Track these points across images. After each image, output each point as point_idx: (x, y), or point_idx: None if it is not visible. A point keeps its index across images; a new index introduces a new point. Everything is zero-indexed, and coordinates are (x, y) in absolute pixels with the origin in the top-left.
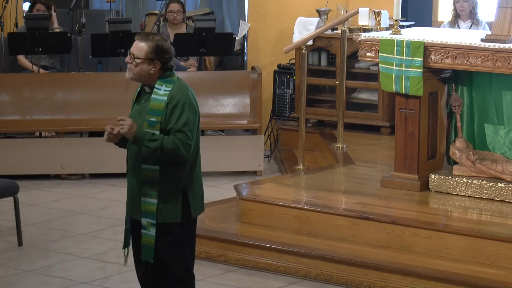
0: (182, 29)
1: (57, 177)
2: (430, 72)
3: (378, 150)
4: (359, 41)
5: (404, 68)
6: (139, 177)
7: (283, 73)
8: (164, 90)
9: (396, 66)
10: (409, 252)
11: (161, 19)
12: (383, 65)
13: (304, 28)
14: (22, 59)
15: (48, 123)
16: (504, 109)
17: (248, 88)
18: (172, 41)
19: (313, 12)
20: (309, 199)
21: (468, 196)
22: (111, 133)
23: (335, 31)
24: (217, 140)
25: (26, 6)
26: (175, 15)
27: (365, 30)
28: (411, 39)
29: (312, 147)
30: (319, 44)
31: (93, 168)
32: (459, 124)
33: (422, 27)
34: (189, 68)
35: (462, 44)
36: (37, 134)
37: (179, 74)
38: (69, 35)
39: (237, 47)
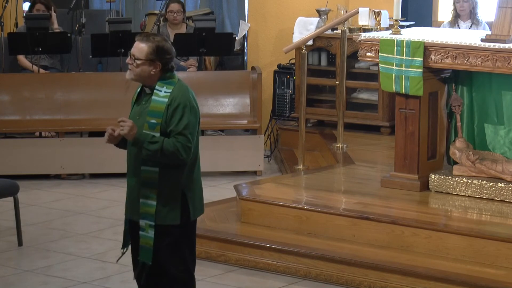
0: (182, 29)
1: (57, 177)
2: (430, 72)
3: (378, 150)
4: (359, 41)
5: (404, 68)
6: (139, 179)
7: (283, 73)
8: (165, 92)
9: (396, 66)
10: (409, 252)
11: (161, 19)
12: (383, 65)
13: (304, 28)
14: (22, 59)
15: (48, 123)
16: (504, 109)
17: (248, 88)
18: (172, 41)
19: (313, 12)
20: (309, 199)
21: (468, 196)
22: (112, 135)
23: (335, 31)
24: (217, 140)
25: (26, 6)
26: (175, 15)
27: (365, 30)
28: (411, 39)
29: (312, 147)
30: (319, 44)
31: (93, 168)
32: (459, 124)
33: (422, 27)
34: (189, 68)
35: (462, 44)
36: (37, 134)
37: (179, 74)
38: (69, 35)
39: (237, 47)
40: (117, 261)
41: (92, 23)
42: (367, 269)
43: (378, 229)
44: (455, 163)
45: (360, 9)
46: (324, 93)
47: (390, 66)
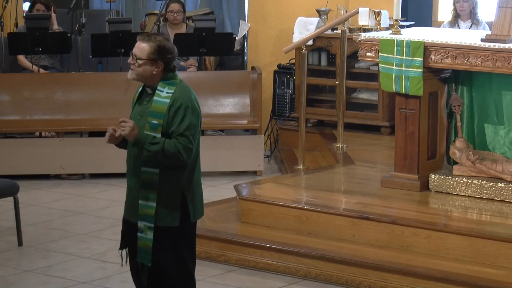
0: (182, 29)
1: (57, 177)
2: (430, 72)
3: (378, 150)
4: (359, 41)
5: (404, 68)
6: (139, 180)
7: (283, 73)
8: (167, 92)
9: (396, 66)
10: (409, 252)
11: (161, 19)
12: (383, 65)
13: (304, 28)
14: (22, 59)
15: (48, 123)
16: (504, 109)
17: (248, 88)
18: (172, 41)
19: (313, 12)
20: (309, 199)
21: (468, 196)
22: (112, 135)
23: (335, 31)
24: (217, 140)
25: (26, 6)
26: (175, 15)
27: (365, 30)
28: (411, 39)
29: (312, 147)
30: (319, 44)
31: (93, 168)
32: (459, 124)
33: (422, 27)
34: (189, 68)
35: (462, 44)
36: (37, 134)
37: (178, 74)
38: (69, 35)
39: (237, 47)
40: (122, 265)
41: (92, 23)
42: (367, 269)
43: (378, 229)
44: (455, 163)
45: (360, 9)
46: (324, 93)
47: (390, 66)
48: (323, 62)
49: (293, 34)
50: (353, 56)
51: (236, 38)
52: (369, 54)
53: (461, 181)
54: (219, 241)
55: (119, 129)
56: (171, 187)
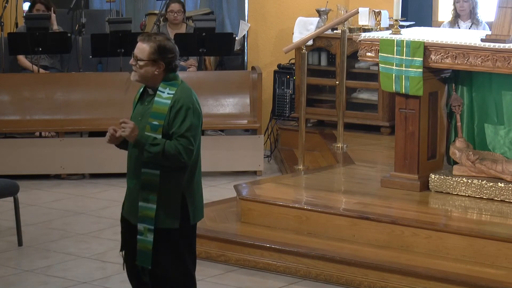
0: (182, 29)
1: (57, 177)
2: (430, 72)
3: (378, 150)
4: (359, 41)
5: (404, 68)
6: (139, 181)
7: (283, 73)
8: (168, 93)
9: (396, 66)
10: (409, 252)
11: (161, 19)
12: (383, 65)
13: (304, 28)
14: (22, 59)
15: (48, 123)
16: (504, 109)
17: (248, 88)
18: None
19: (313, 12)
20: (309, 199)
21: (468, 196)
22: (113, 135)
23: (335, 31)
24: (217, 140)
25: (26, 6)
26: (175, 15)
27: (365, 30)
28: (411, 39)
29: (312, 147)
30: (319, 44)
31: (93, 168)
32: (459, 124)
33: (422, 27)
34: (189, 68)
35: (462, 44)
36: (37, 134)
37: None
38: (69, 35)
39: (237, 47)
40: (124, 268)
41: (92, 23)
42: (367, 269)
43: (378, 229)
44: (455, 163)
45: (360, 9)
46: (324, 93)
47: (390, 66)
48: (323, 62)
49: (293, 34)
50: (353, 56)
51: (236, 38)
52: (369, 54)
53: (461, 181)
54: (219, 241)
55: (119, 129)
56: (172, 188)
